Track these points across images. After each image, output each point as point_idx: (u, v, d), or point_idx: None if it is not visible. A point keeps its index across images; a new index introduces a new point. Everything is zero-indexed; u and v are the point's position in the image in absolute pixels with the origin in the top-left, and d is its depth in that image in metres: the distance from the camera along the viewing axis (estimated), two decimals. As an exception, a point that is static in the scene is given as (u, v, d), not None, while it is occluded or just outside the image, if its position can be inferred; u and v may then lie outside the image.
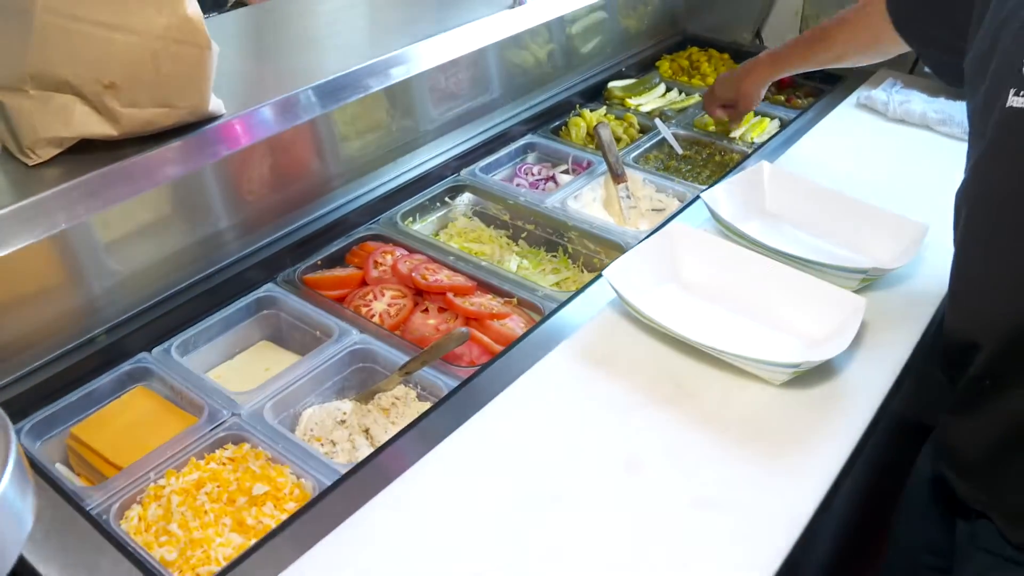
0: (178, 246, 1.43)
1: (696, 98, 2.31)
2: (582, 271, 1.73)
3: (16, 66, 1.13)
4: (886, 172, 1.83)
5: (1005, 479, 1.17)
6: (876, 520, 2.15)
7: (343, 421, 1.34)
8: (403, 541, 1.04)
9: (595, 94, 2.31)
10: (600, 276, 1.46)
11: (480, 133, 1.98)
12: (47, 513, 1.06)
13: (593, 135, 2.01)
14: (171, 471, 1.19)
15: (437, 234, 1.81)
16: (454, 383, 1.31)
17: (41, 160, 1.21)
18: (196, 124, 1.15)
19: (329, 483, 1.14)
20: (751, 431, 1.20)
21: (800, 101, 2.30)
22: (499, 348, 1.41)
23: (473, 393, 1.26)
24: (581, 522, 1.07)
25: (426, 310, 1.52)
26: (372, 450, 1.27)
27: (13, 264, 1.20)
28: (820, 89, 2.33)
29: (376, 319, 1.50)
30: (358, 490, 1.11)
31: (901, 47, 1.59)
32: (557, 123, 2.15)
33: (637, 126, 2.15)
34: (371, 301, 1.52)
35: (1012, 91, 1.03)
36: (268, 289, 1.54)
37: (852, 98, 2.15)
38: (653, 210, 1.87)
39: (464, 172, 1.91)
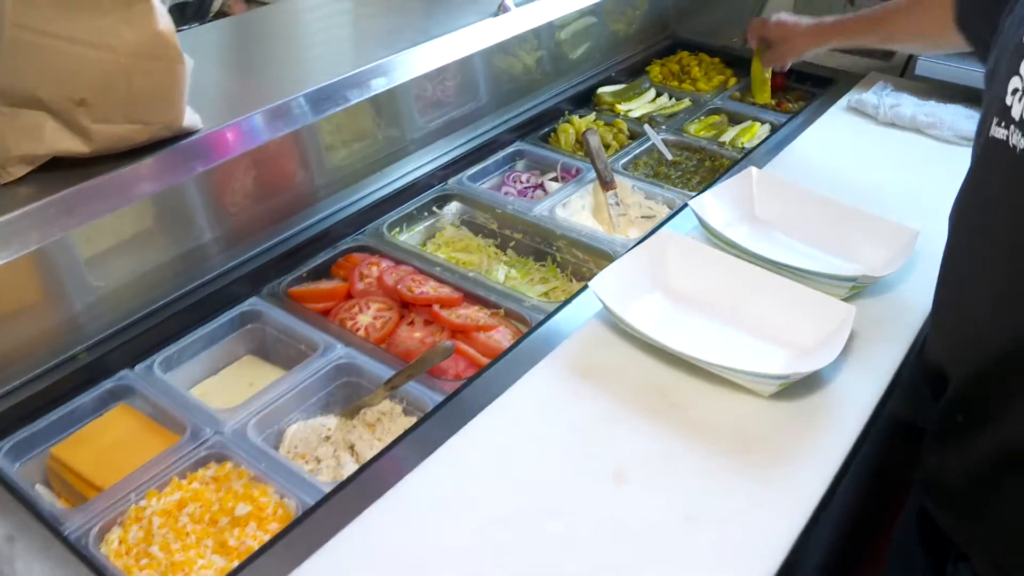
0: (159, 261, 1.42)
1: (687, 103, 2.29)
2: (571, 280, 1.71)
3: (-16, 82, 1.11)
4: (876, 176, 1.82)
5: (985, 518, 1.12)
6: (872, 524, 2.14)
7: (328, 437, 1.32)
8: (388, 559, 1.02)
9: (584, 100, 2.29)
10: (587, 287, 1.44)
11: (468, 141, 1.96)
12: (23, 537, 1.04)
13: (582, 142, 2.00)
14: (152, 492, 1.17)
15: (424, 244, 1.79)
16: (440, 397, 1.29)
17: (13, 178, 1.19)
18: (172, 139, 1.13)
19: (312, 502, 1.12)
20: (740, 443, 1.19)
21: (790, 105, 2.29)
22: (485, 361, 1.40)
23: (459, 408, 1.24)
24: (570, 537, 1.05)
25: (412, 323, 1.50)
26: (357, 467, 1.26)
27: (-11, 283, 1.18)
28: (811, 93, 2.32)
29: (362, 332, 1.48)
30: (342, 509, 1.09)
31: (960, 44, 1.50)
32: (546, 130, 2.13)
33: (627, 132, 2.13)
34: (357, 314, 1.51)
35: (995, 120, 1.01)
36: (252, 303, 1.52)
37: (843, 101, 2.14)
38: (643, 217, 1.85)
39: (452, 181, 1.89)
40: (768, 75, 2.15)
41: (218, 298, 1.50)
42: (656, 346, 1.30)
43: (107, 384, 1.34)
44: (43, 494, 1.24)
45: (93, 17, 1.00)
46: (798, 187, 1.65)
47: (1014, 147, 0.98)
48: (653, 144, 2.06)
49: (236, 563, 1.06)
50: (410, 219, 1.80)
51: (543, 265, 1.75)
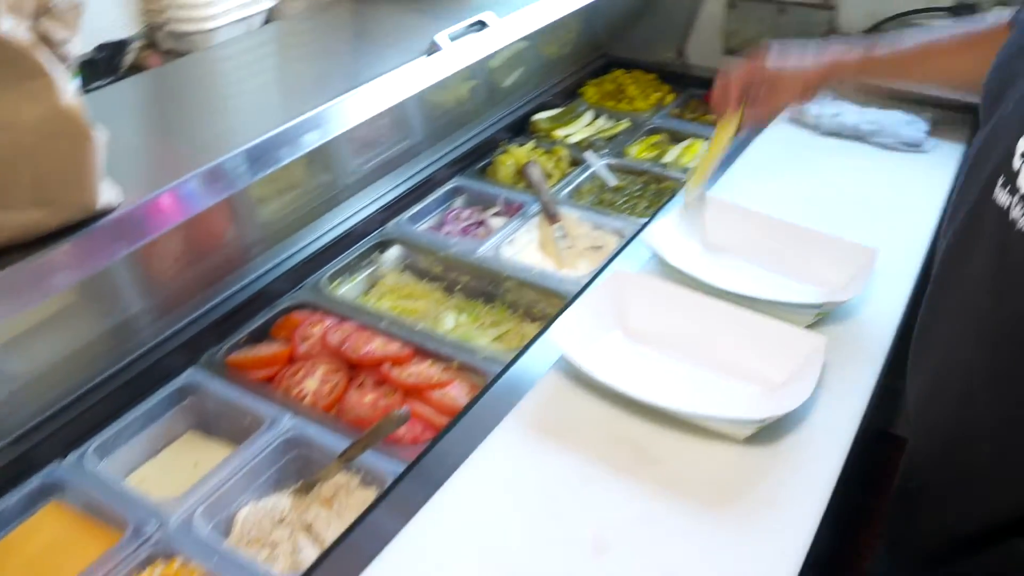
0: (86, 340, 1.32)
1: (626, 123, 2.24)
2: (524, 321, 1.65)
3: None
4: (826, 190, 1.79)
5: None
6: (858, 530, 2.12)
7: (282, 520, 1.23)
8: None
9: (522, 128, 2.23)
10: (542, 332, 1.39)
11: (404, 181, 1.89)
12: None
13: (523, 174, 1.94)
14: (94, 602, 1.08)
15: (367, 294, 1.71)
16: (398, 466, 1.22)
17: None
18: (89, 219, 1.04)
19: (271, 599, 1.04)
20: (719, 494, 1.13)
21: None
22: (443, 421, 1.32)
23: (421, 478, 1.17)
24: (550, 622, 0.98)
25: (362, 384, 1.42)
26: (316, 549, 1.18)
27: None
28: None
29: (309, 399, 1.39)
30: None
31: None
32: (484, 162, 2.06)
33: (568, 159, 2.07)
34: (302, 379, 1.42)
35: (1001, 180, 0.94)
36: (190, 375, 1.42)
37: (784, 113, 2.10)
38: (592, 248, 1.79)
39: (391, 224, 1.81)
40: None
41: (153, 373, 1.40)
42: (624, 396, 1.24)
43: (35, 481, 1.23)
44: (-29, 615, 1.14)
45: (-11, 96, 0.91)
46: (749, 211, 1.61)
47: (1013, 222, 0.91)
48: (596, 171, 2.01)
49: None
50: (350, 269, 1.71)
51: (493, 307, 1.68)
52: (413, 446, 1.28)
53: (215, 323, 1.50)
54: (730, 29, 2.50)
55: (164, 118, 1.37)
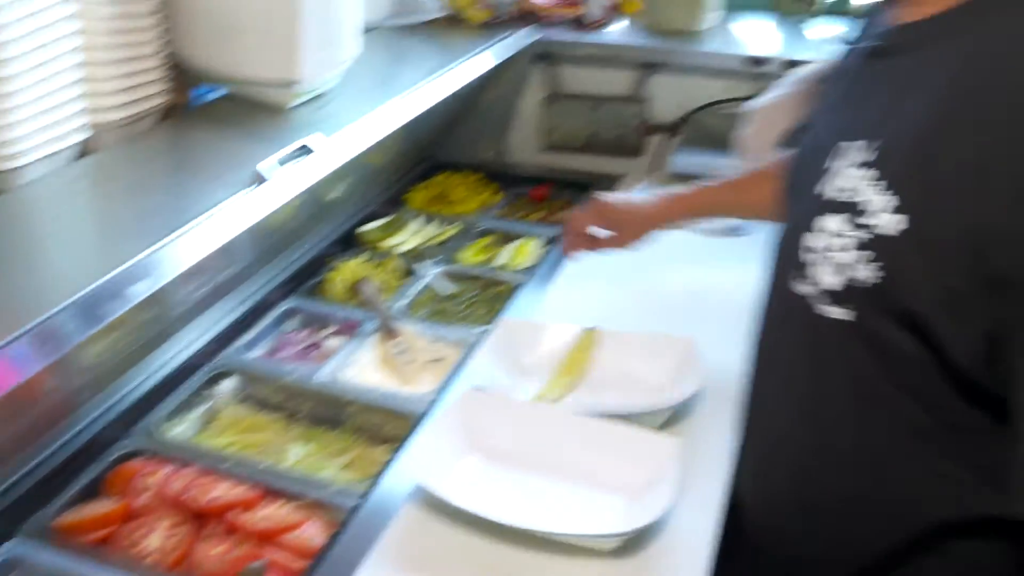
0: None
1: (456, 227, 2.24)
2: (371, 445, 1.60)
3: None
4: (650, 284, 1.86)
5: None
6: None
7: None
8: None
9: (351, 240, 2.20)
10: (393, 458, 1.38)
11: (236, 307, 1.82)
12: None
13: (356, 291, 1.91)
14: None
15: (205, 430, 1.62)
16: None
17: None
18: None
19: None
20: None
21: (561, 215, 2.28)
22: (302, 565, 1.26)
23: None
24: None
25: (210, 536, 1.34)
26: None
27: None
28: (573, 200, 2.32)
29: (152, 558, 1.30)
30: None
31: None
32: (316, 280, 2.02)
33: (401, 269, 2.06)
34: (144, 536, 1.32)
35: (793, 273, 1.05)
36: (12, 548, 1.29)
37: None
38: (433, 361, 1.77)
39: (224, 354, 1.73)
40: None
41: (-31, 551, 1.27)
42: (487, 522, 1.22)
43: None
44: None
45: None
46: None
47: (814, 307, 0.98)
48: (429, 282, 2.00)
49: None
50: (185, 406, 1.62)
51: (340, 433, 1.62)
52: (273, 598, 1.22)
53: (38, 484, 1.38)
54: (549, 125, 2.58)
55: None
